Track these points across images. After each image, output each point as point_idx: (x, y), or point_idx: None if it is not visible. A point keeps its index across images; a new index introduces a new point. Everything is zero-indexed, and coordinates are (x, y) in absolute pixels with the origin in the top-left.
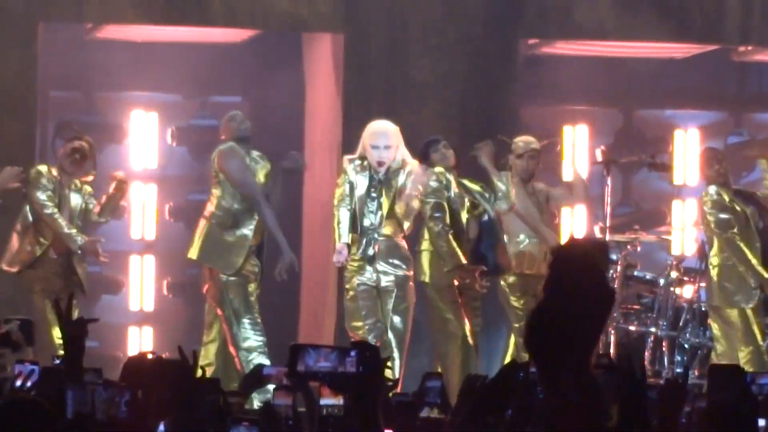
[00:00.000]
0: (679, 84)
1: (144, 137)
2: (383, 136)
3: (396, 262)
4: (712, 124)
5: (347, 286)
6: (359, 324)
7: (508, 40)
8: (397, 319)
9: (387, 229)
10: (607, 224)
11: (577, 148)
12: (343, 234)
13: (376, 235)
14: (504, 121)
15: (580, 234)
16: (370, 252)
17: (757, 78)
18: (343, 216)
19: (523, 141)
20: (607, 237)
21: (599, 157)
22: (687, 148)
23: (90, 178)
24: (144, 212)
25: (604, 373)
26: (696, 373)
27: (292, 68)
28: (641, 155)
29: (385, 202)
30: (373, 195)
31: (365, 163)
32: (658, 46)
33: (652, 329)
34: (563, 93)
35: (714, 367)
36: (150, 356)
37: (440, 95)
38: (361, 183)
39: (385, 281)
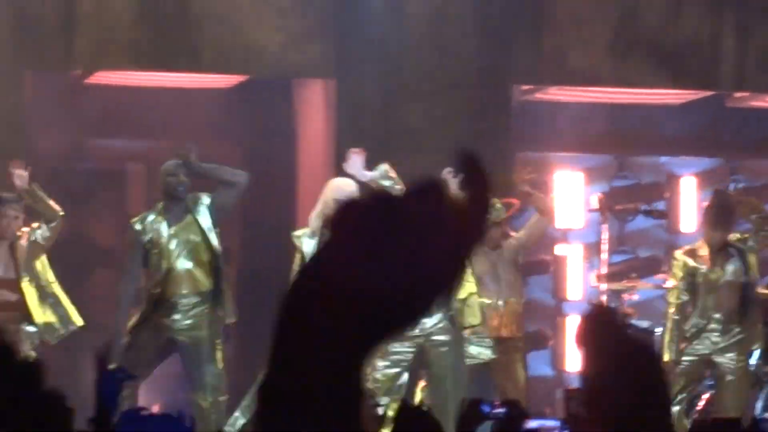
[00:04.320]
0: (675, 130)
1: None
2: (347, 192)
3: None
4: (707, 170)
5: None
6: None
7: (502, 86)
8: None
9: None
10: (604, 272)
11: (572, 195)
12: None
13: None
14: (498, 167)
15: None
16: None
17: (752, 124)
18: None
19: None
20: (605, 286)
21: (595, 204)
22: (683, 194)
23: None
24: None
25: None
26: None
27: (284, 114)
28: (637, 202)
29: None
30: None
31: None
32: (653, 93)
33: None
34: (558, 139)
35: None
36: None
37: (434, 141)
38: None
39: None
